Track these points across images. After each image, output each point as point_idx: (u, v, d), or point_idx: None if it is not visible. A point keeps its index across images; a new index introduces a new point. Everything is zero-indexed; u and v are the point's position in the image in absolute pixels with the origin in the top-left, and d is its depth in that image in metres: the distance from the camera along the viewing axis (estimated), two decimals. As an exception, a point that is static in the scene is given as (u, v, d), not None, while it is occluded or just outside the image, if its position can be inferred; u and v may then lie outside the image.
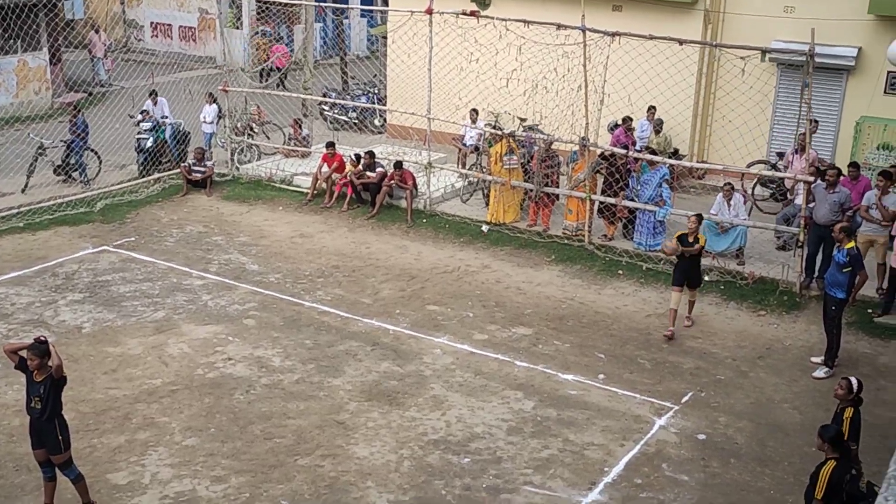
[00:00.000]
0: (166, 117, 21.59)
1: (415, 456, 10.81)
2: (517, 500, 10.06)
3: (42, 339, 9.26)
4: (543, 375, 12.74)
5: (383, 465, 10.60)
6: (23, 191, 19.68)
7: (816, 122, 17.41)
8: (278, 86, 27.45)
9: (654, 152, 17.97)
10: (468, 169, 20.32)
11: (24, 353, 9.17)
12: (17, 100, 25.82)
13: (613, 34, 16.35)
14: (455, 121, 20.00)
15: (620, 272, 16.26)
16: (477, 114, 20.35)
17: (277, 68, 28.96)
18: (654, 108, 19.70)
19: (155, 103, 21.77)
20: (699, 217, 14.18)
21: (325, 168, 19.74)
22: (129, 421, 11.21)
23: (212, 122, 22.15)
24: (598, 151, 17.48)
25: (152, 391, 11.96)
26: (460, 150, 21.14)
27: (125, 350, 12.98)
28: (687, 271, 13.91)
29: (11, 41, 25.54)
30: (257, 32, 33.20)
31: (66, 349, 12.87)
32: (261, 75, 29.32)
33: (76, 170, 20.31)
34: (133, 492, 9.93)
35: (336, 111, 25.52)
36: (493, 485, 10.33)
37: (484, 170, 19.25)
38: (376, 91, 26.07)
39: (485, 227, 18.19)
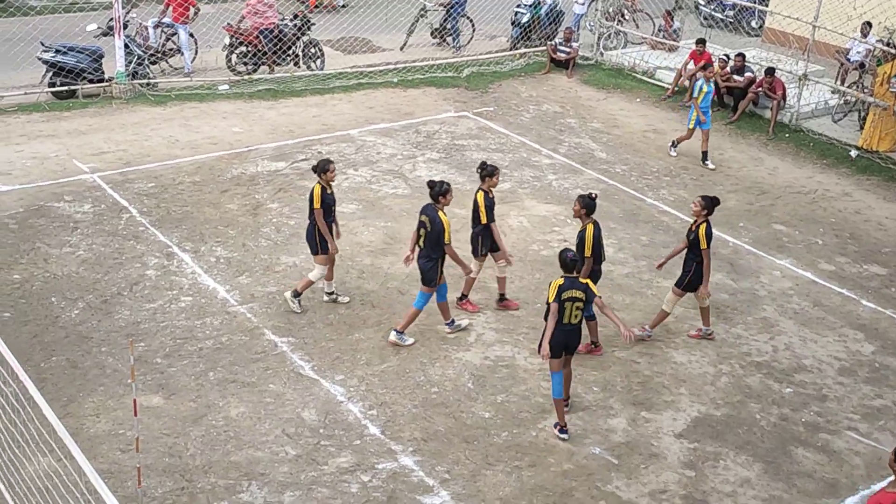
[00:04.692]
0: (548, -6, 21.75)
1: (734, 374, 10.51)
2: (836, 443, 9.52)
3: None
4: (891, 321, 11.76)
5: (699, 376, 10.42)
6: (401, 48, 20.93)
7: None
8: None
9: None
10: (847, 87, 18.70)
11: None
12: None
13: None
14: (843, 32, 18.35)
15: None
16: (870, 27, 18.55)
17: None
18: None
19: None
20: (704, 199, 10.63)
21: (692, 65, 19.03)
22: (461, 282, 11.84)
23: (583, 4, 22.05)
24: None
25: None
26: (842, 64, 19.49)
27: (468, 213, 13.59)
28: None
29: None
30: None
31: (417, 203, 13.72)
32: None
33: (451, 34, 21.20)
34: (458, 346, 10.56)
35: (713, 7, 24.37)
36: (813, 421, 9.82)
37: (865, 90, 17.63)
38: (760, -10, 24.48)
39: (853, 152, 16.80)
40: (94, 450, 8.45)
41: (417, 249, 10.32)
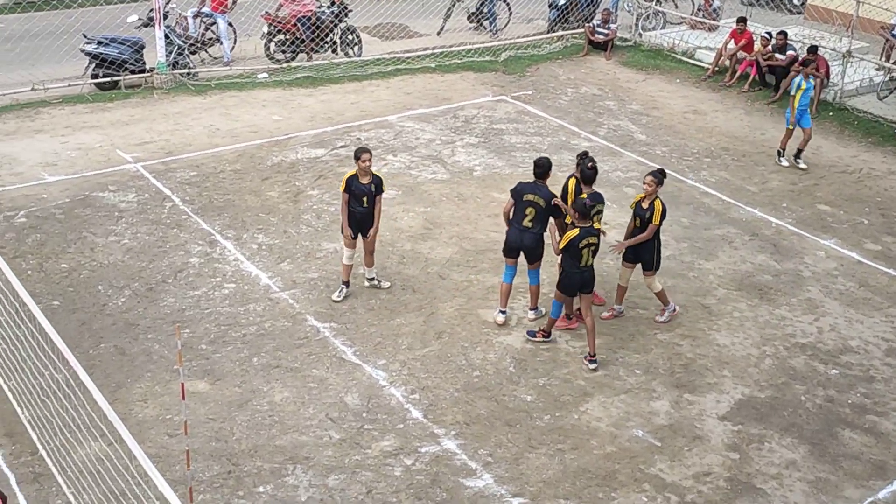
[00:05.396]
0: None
1: (778, 355, 10.42)
2: (884, 425, 9.41)
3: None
4: (939, 301, 11.59)
5: (743, 358, 10.34)
6: (438, 33, 20.92)
7: None
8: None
9: None
10: (893, 63, 18.35)
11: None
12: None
13: None
14: (888, 7, 18.01)
15: None
16: (916, 2, 18.17)
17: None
18: None
19: None
20: (655, 175, 10.48)
21: (732, 44, 18.81)
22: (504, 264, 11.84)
23: (622, -15, 21.84)
24: None
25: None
26: (888, 41, 19.13)
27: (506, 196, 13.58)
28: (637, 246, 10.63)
29: None
30: None
31: (456, 188, 13.78)
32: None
33: (487, 18, 21.14)
34: (500, 330, 10.58)
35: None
36: (860, 403, 9.71)
37: (911, 66, 17.31)
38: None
39: (900, 130, 16.52)
40: (142, 434, 8.60)
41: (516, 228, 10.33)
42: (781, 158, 15.24)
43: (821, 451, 9.04)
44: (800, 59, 17.70)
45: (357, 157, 10.54)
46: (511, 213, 10.40)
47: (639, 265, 10.68)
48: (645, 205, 10.39)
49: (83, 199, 12.90)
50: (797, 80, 15.07)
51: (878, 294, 11.69)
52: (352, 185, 10.59)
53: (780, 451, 8.99)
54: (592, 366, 9.95)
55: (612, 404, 9.48)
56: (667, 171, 14.59)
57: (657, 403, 9.56)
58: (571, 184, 10.59)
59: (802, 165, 15.14)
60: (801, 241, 12.87)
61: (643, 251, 10.51)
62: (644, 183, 10.45)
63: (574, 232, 9.75)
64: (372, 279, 11.18)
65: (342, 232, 10.82)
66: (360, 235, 10.82)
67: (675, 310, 10.95)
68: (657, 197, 10.36)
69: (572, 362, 10.10)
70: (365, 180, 10.60)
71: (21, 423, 8.68)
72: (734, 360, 10.29)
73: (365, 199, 10.63)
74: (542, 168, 10.43)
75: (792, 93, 15.01)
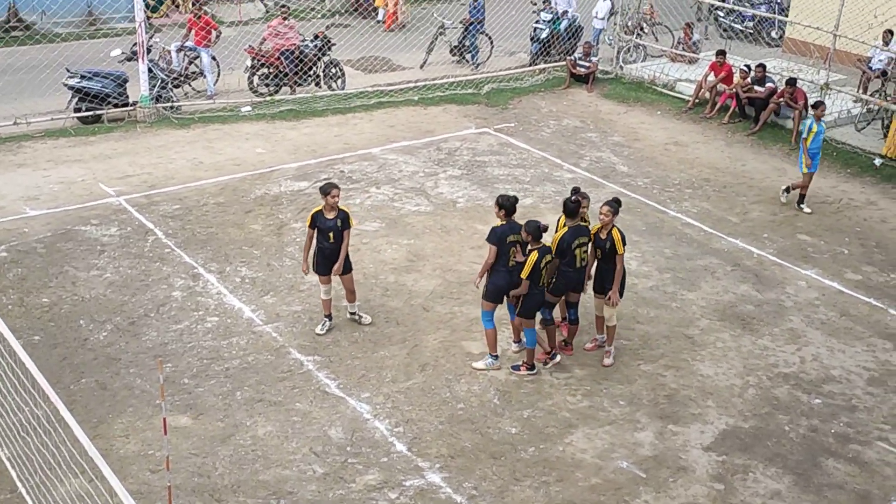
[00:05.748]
0: (567, 11, 21.78)
1: (762, 385, 10.45)
2: (867, 454, 9.43)
3: None
4: (920, 330, 11.66)
5: (727, 388, 10.36)
6: (421, 66, 21.06)
7: None
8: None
9: None
10: (870, 95, 18.61)
11: None
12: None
13: None
14: (864, 40, 18.30)
15: None
16: (892, 35, 18.50)
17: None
18: None
19: None
20: (611, 206, 10.33)
21: (712, 77, 19.03)
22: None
23: (603, 19, 22.10)
24: None
25: (512, 272, 12.51)
26: (864, 73, 19.40)
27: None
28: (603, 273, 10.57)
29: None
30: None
31: (440, 220, 13.81)
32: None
33: (469, 51, 21.31)
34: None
35: (732, 18, 24.36)
36: (843, 433, 9.74)
37: (888, 98, 17.54)
38: (779, 0, 24.47)
39: (878, 161, 16.71)
40: (124, 470, 8.51)
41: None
42: (803, 205, 14.79)
43: (805, 480, 9.04)
44: (778, 90, 17.94)
45: (326, 193, 10.46)
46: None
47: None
48: (603, 235, 10.27)
49: (65, 233, 12.85)
50: (808, 122, 14.65)
51: (859, 323, 11.76)
52: (317, 221, 10.53)
53: (765, 482, 8.99)
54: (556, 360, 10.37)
55: (597, 436, 9.47)
56: (649, 202, 14.79)
57: (642, 434, 9.55)
58: (561, 220, 10.55)
59: (807, 210, 14.72)
60: (782, 272, 12.95)
61: (607, 280, 10.41)
62: (600, 213, 10.26)
63: (533, 256, 9.83)
64: (353, 313, 11.14)
65: (302, 268, 10.81)
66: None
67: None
68: (614, 226, 10.26)
69: (556, 394, 10.09)
70: (331, 215, 10.52)
71: (0, 461, 8.58)
72: (718, 391, 10.31)
73: (331, 234, 10.52)
74: (513, 205, 10.18)
75: (804, 136, 14.58)
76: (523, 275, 9.89)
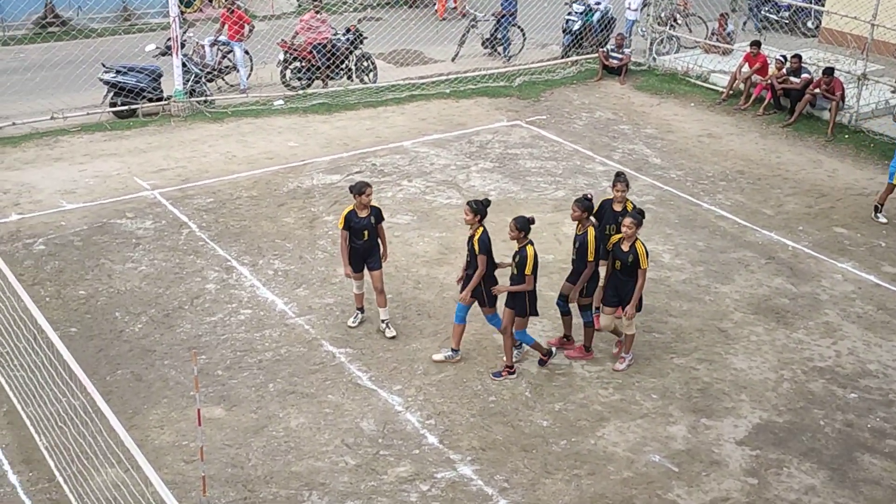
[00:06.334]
0: (599, 3, 21.64)
1: (796, 379, 10.35)
2: (904, 450, 9.33)
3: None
4: (958, 324, 11.49)
5: (761, 382, 10.28)
6: (453, 59, 21.05)
7: None
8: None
9: None
10: (908, 85, 18.34)
11: None
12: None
13: None
14: (903, 30, 18.00)
15: None
16: (930, 24, 18.15)
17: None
18: None
19: None
20: (635, 217, 9.94)
21: (746, 68, 18.84)
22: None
23: (636, 10, 21.92)
24: None
25: (543, 265, 12.41)
26: (902, 63, 19.09)
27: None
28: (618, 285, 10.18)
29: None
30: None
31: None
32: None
33: (501, 44, 21.26)
34: (515, 355, 10.54)
35: (767, 8, 24.09)
36: (879, 427, 9.63)
37: (927, 88, 17.27)
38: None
39: (916, 152, 16.44)
40: (159, 461, 8.61)
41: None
42: (879, 214, 14.10)
43: (840, 476, 8.95)
44: (814, 81, 17.72)
45: (360, 192, 10.29)
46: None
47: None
48: (625, 247, 9.85)
49: (101, 227, 13.00)
50: None
51: (896, 317, 11.63)
52: (351, 221, 10.40)
53: (800, 477, 8.91)
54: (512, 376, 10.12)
55: (629, 429, 9.43)
56: (682, 194, 14.69)
57: (674, 428, 9.50)
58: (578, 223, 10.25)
59: (882, 220, 14.08)
60: (817, 265, 12.81)
61: (626, 293, 9.97)
62: (623, 226, 9.84)
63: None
64: (383, 320, 10.86)
65: (345, 272, 10.65)
66: (365, 267, 10.67)
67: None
68: (637, 238, 9.88)
69: (588, 387, 10.06)
70: (363, 214, 10.41)
71: (39, 450, 8.72)
72: (751, 385, 10.22)
73: (366, 232, 10.42)
74: (486, 208, 10.03)
75: None
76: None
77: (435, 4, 25.33)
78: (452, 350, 10.39)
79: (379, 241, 10.62)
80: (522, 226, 9.69)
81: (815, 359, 10.74)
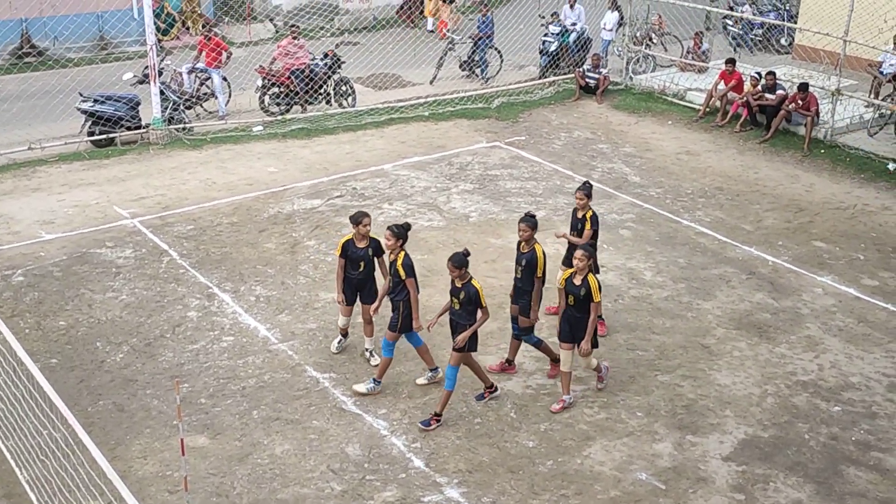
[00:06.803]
0: (575, 24, 21.81)
1: (780, 394, 10.38)
2: (889, 461, 9.35)
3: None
4: (938, 335, 11.57)
5: (745, 397, 10.30)
6: (431, 82, 21.12)
7: None
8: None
9: None
10: (882, 100, 18.55)
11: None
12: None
13: None
14: (875, 45, 18.24)
15: None
16: (902, 39, 18.41)
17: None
18: None
19: (572, 8, 22.00)
20: (587, 249, 9.77)
21: (722, 85, 19.02)
22: (502, 310, 11.80)
23: (611, 30, 22.12)
24: None
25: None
26: (875, 78, 19.33)
27: (505, 243, 13.61)
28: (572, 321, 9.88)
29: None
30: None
31: (452, 234, 13.82)
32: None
33: (479, 66, 21.37)
34: (500, 377, 10.53)
35: (740, 27, 24.34)
36: (864, 440, 9.66)
37: (900, 102, 17.47)
38: (787, 7, 24.47)
39: (891, 165, 16.66)
40: (142, 492, 8.52)
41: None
42: None
43: (827, 489, 8.97)
44: (789, 97, 17.91)
45: (357, 222, 10.20)
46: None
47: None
48: (577, 281, 9.59)
49: (80, 256, 12.92)
50: None
51: (877, 329, 11.68)
52: (348, 250, 10.32)
53: (786, 491, 8.93)
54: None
55: (615, 448, 9.42)
56: (661, 212, 14.77)
57: (660, 446, 9.50)
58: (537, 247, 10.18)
59: None
60: (798, 279, 12.89)
61: (578, 329, 9.69)
62: (575, 258, 9.62)
63: (475, 283, 9.53)
64: (368, 350, 10.80)
65: (337, 299, 10.57)
66: (357, 300, 10.59)
67: (570, 401, 10.06)
68: (589, 271, 9.61)
69: (573, 406, 10.05)
70: (362, 244, 10.32)
71: (20, 484, 8.61)
72: (736, 400, 10.25)
73: (362, 263, 10.33)
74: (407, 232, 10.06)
75: None
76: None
77: (427, 25, 25.89)
78: (431, 370, 10.35)
79: (376, 275, 10.45)
80: (459, 263, 9.40)
81: (798, 373, 10.78)
